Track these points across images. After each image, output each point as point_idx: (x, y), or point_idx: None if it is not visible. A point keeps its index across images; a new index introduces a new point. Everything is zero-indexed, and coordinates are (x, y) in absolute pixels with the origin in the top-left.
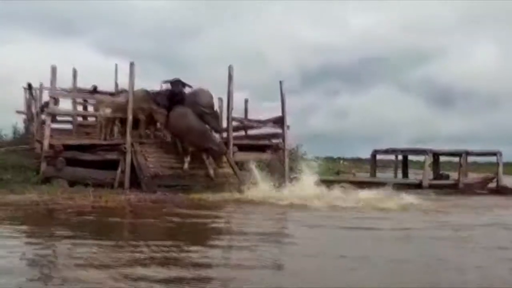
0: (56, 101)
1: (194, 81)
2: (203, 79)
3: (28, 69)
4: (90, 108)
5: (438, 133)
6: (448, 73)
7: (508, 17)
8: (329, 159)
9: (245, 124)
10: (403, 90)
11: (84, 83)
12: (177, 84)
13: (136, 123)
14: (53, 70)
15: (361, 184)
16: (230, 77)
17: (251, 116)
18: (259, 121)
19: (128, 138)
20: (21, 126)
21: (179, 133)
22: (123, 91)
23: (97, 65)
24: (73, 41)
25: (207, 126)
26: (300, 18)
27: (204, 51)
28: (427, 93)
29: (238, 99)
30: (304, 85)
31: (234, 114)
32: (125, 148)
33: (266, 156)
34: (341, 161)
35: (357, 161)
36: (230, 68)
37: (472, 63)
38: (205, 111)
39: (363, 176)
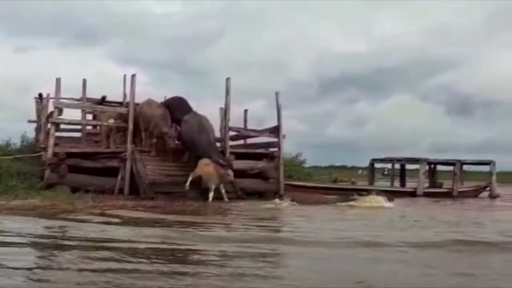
0: (60, 111)
1: (210, 89)
2: (219, 86)
3: (45, 78)
4: None
5: (458, 143)
6: (468, 82)
7: None
8: (343, 168)
9: (242, 134)
10: (423, 99)
11: (99, 92)
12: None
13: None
14: (58, 81)
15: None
16: (227, 90)
17: (266, 124)
18: (255, 131)
19: (129, 147)
20: (31, 134)
21: None
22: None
23: (113, 74)
24: (91, 50)
25: None
26: (319, 26)
27: (222, 59)
28: (446, 102)
29: (256, 107)
30: (323, 93)
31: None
32: (125, 156)
33: (262, 164)
34: (360, 171)
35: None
36: (227, 81)
37: (492, 72)
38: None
39: (362, 184)
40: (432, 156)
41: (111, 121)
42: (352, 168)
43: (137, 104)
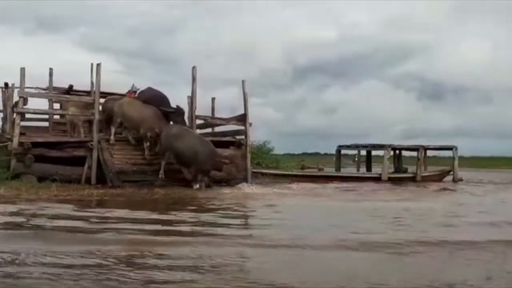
0: (25, 101)
1: (180, 76)
2: (189, 74)
3: (11, 67)
4: None
5: (429, 129)
6: (437, 69)
7: (496, 13)
8: (316, 155)
9: (209, 122)
10: (394, 86)
11: (68, 81)
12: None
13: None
14: (22, 71)
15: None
16: (193, 78)
17: (239, 111)
18: (222, 119)
19: (95, 136)
20: None
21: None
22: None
23: (81, 62)
24: (56, 39)
25: None
26: (290, 14)
27: (191, 47)
28: (417, 89)
29: (227, 94)
30: (295, 80)
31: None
32: (91, 145)
33: (229, 152)
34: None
35: (344, 156)
36: (193, 69)
37: (461, 58)
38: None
39: (329, 171)
40: (404, 142)
41: (73, 109)
42: (325, 155)
43: (104, 94)
